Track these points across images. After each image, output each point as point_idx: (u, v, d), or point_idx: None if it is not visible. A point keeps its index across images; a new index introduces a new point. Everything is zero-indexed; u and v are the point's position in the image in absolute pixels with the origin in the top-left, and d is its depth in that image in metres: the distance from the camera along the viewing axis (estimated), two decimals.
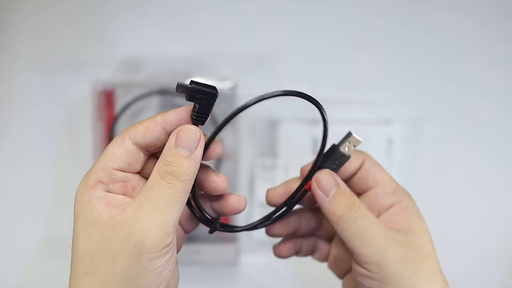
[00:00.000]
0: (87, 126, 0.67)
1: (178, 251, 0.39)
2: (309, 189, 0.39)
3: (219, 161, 0.66)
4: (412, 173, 0.69)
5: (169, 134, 0.35)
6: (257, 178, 0.67)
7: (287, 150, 0.68)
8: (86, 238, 0.33)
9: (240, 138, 0.68)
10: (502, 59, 0.71)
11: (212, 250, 0.65)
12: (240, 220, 0.67)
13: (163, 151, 0.34)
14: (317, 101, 0.37)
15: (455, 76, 0.71)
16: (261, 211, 0.67)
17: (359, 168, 0.41)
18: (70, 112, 0.69)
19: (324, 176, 0.39)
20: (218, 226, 0.39)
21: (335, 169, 0.39)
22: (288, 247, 0.43)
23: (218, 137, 0.36)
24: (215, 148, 0.36)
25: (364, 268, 0.37)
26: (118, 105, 0.67)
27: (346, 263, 0.43)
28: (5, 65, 0.70)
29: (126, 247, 0.31)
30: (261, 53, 0.70)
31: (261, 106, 0.68)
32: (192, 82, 0.34)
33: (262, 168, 0.67)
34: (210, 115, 0.35)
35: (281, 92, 0.36)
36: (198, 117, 0.35)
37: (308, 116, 0.68)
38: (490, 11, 0.71)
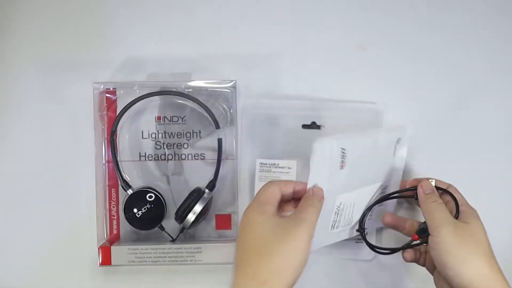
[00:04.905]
0: (88, 126, 0.68)
1: None
2: (417, 238, 0.59)
3: (219, 162, 0.67)
4: (414, 172, 0.69)
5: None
6: (257, 178, 0.67)
7: (287, 150, 0.68)
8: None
9: (240, 138, 0.68)
10: (503, 59, 0.71)
11: (213, 249, 0.65)
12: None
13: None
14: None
15: (455, 75, 0.71)
16: None
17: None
18: (72, 112, 0.70)
19: (426, 183, 0.60)
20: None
21: None
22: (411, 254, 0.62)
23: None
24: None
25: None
26: (119, 105, 0.67)
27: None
28: (7, 66, 0.70)
29: None
30: (261, 53, 0.70)
31: (261, 106, 0.69)
32: None
33: (262, 168, 0.67)
34: None
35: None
36: None
37: (309, 116, 0.69)
38: (490, 11, 0.71)
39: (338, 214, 0.60)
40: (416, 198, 0.60)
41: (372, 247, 0.62)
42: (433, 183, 0.60)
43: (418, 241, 0.59)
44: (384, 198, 0.64)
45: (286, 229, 0.49)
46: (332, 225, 0.60)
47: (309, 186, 0.54)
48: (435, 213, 0.56)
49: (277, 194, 0.53)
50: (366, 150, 0.59)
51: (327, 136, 0.54)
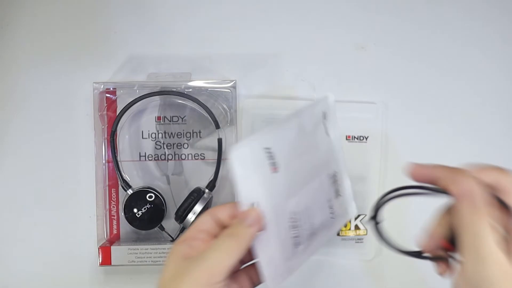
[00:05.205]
0: (88, 126, 0.68)
1: None
2: (449, 248, 0.43)
3: (219, 162, 0.67)
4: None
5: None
6: None
7: None
8: None
9: (240, 138, 0.68)
10: (503, 58, 0.71)
11: None
12: None
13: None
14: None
15: (455, 75, 0.71)
16: None
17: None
18: (72, 113, 0.70)
19: (468, 182, 0.40)
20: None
21: None
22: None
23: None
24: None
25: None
26: (119, 105, 0.67)
27: None
28: (7, 66, 0.70)
29: None
30: (261, 53, 0.70)
31: (261, 106, 0.69)
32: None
33: None
34: None
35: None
36: None
37: None
38: (490, 11, 0.71)
39: (296, 226, 0.48)
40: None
41: (398, 249, 0.46)
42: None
43: (449, 254, 0.44)
44: (400, 188, 0.45)
45: (183, 273, 0.42)
46: (295, 242, 0.48)
47: (241, 208, 0.45)
48: (476, 240, 0.39)
49: (205, 226, 0.46)
50: (295, 141, 0.49)
51: (243, 140, 0.45)
